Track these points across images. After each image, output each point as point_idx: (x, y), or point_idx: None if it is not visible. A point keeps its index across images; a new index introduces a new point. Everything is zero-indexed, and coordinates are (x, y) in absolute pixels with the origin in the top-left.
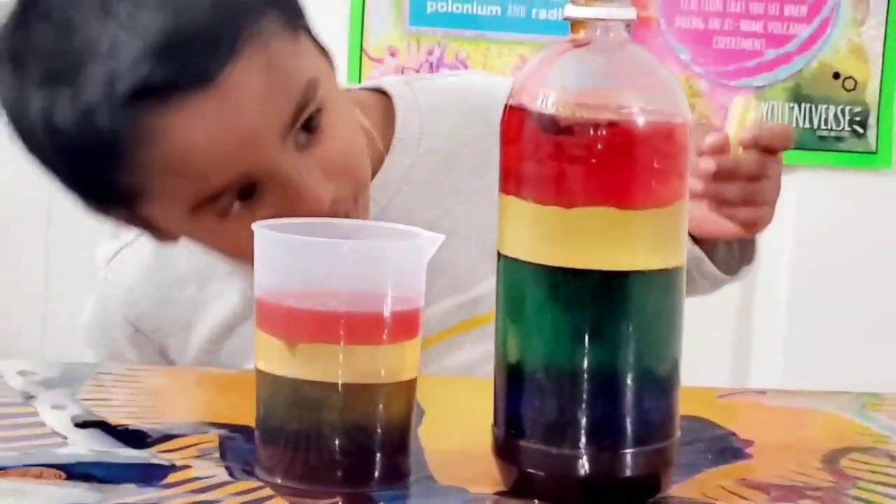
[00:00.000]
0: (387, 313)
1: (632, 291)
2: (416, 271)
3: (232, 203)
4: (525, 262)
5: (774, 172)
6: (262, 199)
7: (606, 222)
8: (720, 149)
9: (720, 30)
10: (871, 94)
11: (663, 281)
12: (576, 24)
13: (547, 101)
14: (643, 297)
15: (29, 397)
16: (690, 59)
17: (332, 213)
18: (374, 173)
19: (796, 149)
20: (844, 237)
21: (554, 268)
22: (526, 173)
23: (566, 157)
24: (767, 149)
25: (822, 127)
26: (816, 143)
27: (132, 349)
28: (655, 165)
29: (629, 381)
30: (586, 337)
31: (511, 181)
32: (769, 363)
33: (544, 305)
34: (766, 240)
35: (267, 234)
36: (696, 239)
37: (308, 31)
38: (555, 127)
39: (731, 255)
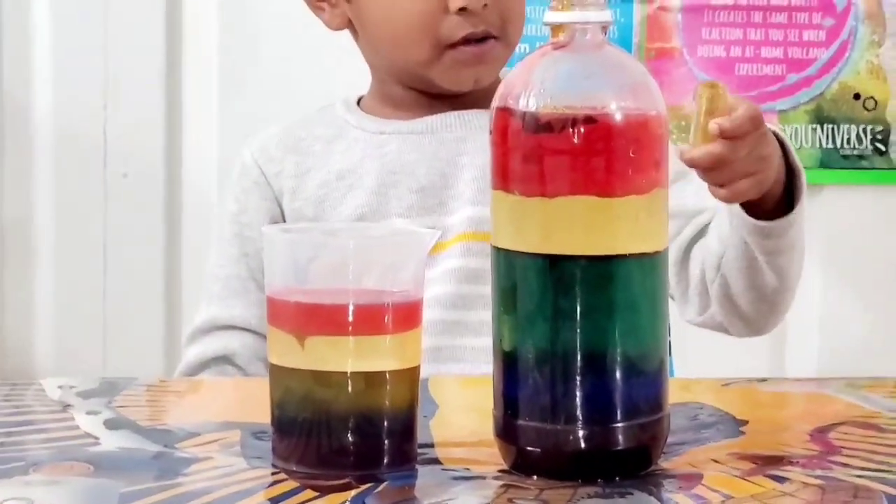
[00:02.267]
0: (390, 305)
1: (615, 275)
2: (416, 265)
3: None
4: (514, 251)
5: (743, 152)
6: None
7: (587, 210)
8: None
9: (741, 57)
10: (891, 112)
11: (645, 264)
12: (555, 28)
13: (528, 100)
14: (626, 280)
15: (66, 406)
16: None
17: (472, 24)
18: None
19: (821, 168)
20: (872, 250)
21: (540, 255)
22: (512, 168)
23: (547, 151)
24: (735, 138)
25: (846, 146)
26: (840, 162)
27: (255, 197)
28: (631, 155)
29: (616, 360)
30: (573, 319)
31: (500, 177)
32: (803, 367)
33: (533, 292)
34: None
35: (274, 235)
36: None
37: None
38: (536, 124)
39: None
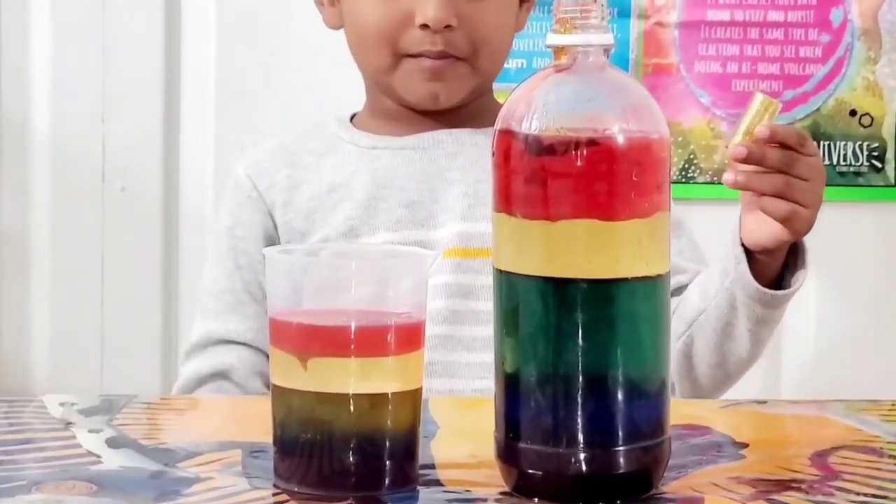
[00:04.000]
0: (392, 327)
1: (617, 298)
2: (418, 286)
3: None
4: (516, 274)
5: (805, 173)
6: None
7: (590, 233)
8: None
9: (738, 73)
10: (887, 129)
11: (647, 287)
12: (557, 50)
13: (531, 123)
14: (628, 304)
15: (68, 424)
16: (711, 102)
17: (430, 41)
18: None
19: None
20: (868, 268)
21: (542, 278)
22: (515, 191)
23: (549, 174)
24: (782, 145)
25: (842, 163)
26: (837, 179)
27: (248, 210)
28: (634, 179)
29: (618, 383)
30: (575, 343)
31: (502, 199)
32: (799, 385)
33: (535, 314)
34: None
35: (276, 257)
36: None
37: None
38: (538, 147)
39: (781, 266)
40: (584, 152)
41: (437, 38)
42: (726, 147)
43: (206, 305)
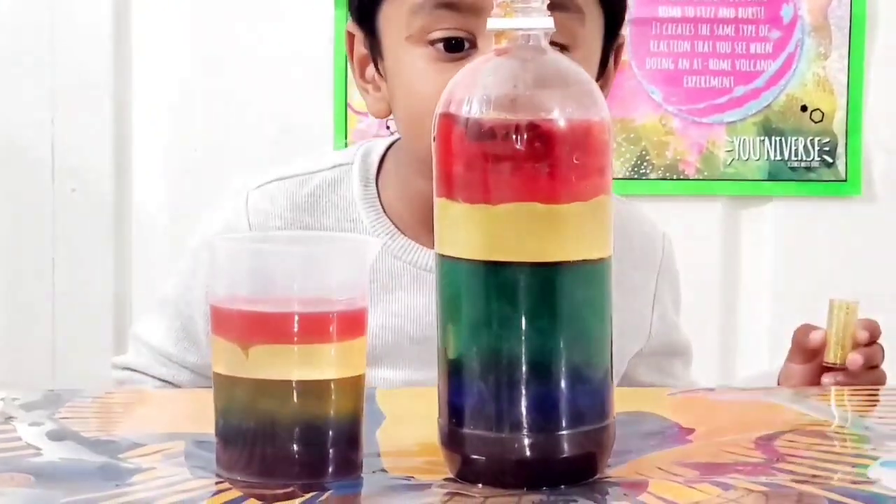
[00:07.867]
0: (334, 314)
1: (559, 281)
2: (360, 273)
3: (440, 48)
4: (458, 258)
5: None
6: (464, 59)
7: (531, 217)
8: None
9: (689, 69)
10: (837, 124)
11: (589, 271)
12: (498, 34)
13: (471, 107)
14: (570, 287)
15: (8, 418)
16: (662, 98)
17: None
18: None
19: (769, 180)
20: (819, 262)
21: (484, 262)
22: (456, 175)
23: (490, 157)
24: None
25: (793, 158)
26: (788, 174)
27: None
28: (575, 161)
29: (560, 367)
30: (517, 327)
31: (443, 184)
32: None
33: (477, 299)
34: (747, 267)
35: (218, 243)
36: None
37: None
38: (478, 130)
39: None
40: (525, 136)
41: None
42: (830, 363)
43: (169, 312)
